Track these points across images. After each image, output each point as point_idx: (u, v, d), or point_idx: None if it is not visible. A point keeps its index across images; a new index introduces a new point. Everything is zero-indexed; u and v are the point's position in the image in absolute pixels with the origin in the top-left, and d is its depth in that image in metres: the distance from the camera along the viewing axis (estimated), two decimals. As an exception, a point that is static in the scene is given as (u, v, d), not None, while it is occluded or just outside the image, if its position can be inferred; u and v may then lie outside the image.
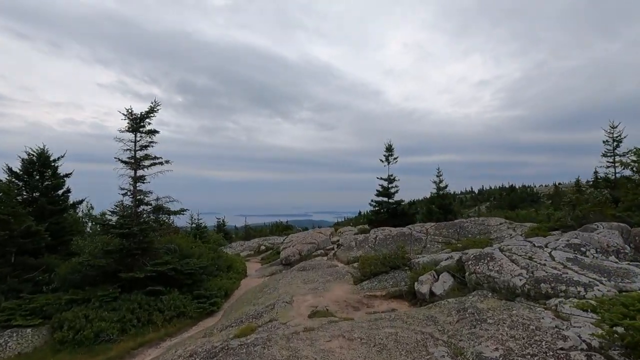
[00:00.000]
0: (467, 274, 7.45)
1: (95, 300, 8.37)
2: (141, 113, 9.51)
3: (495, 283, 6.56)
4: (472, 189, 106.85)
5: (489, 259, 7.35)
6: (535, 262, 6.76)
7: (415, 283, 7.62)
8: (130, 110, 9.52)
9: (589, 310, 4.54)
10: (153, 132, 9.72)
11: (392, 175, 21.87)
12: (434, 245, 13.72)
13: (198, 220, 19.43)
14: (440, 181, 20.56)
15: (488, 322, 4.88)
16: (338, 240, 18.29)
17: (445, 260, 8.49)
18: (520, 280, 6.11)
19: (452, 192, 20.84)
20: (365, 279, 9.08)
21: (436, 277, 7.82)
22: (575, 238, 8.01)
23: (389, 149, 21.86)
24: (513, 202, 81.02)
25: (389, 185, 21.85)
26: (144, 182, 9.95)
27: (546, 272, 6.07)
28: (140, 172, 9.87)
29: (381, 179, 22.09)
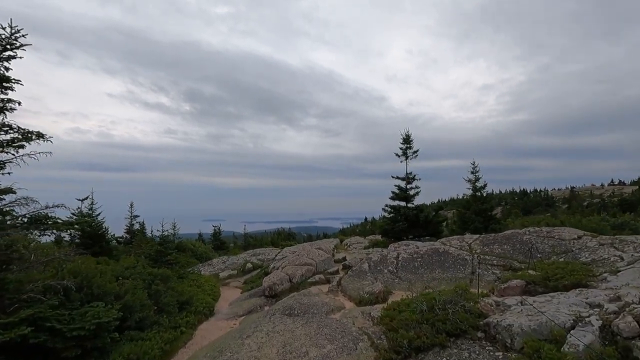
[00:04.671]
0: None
1: None
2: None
3: None
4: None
5: None
6: None
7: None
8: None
9: None
10: (6, 81, 5.35)
11: (411, 173, 17.38)
12: (487, 270, 9.19)
13: (163, 230, 15.06)
14: (477, 179, 15.95)
15: None
16: (344, 258, 13.79)
17: (578, 326, 3.97)
18: None
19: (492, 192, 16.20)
20: (399, 358, 4.59)
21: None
22: None
23: (407, 140, 17.40)
24: (527, 206, 76.14)
25: (408, 186, 17.37)
26: (-2, 173, 5.60)
27: None
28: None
29: (397, 178, 17.61)
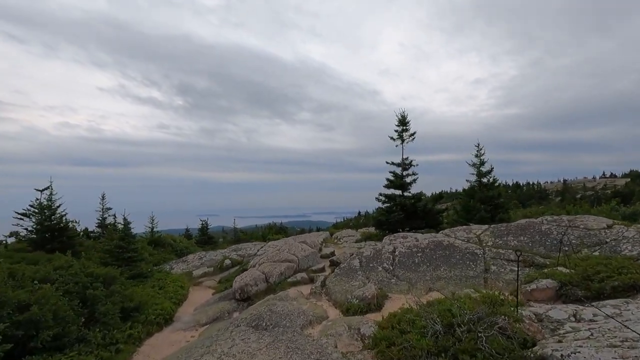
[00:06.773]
0: None
1: None
2: None
3: None
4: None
5: None
6: None
7: None
8: None
9: None
10: None
11: (407, 158, 15.67)
12: (503, 267, 7.52)
13: (125, 222, 13.12)
14: (482, 163, 14.25)
15: None
16: (332, 253, 12.07)
17: None
18: None
19: (497, 181, 14.45)
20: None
21: None
22: None
23: (403, 121, 15.65)
24: (521, 199, 75.63)
25: (404, 173, 15.66)
26: None
27: None
28: None
29: (392, 163, 15.88)
